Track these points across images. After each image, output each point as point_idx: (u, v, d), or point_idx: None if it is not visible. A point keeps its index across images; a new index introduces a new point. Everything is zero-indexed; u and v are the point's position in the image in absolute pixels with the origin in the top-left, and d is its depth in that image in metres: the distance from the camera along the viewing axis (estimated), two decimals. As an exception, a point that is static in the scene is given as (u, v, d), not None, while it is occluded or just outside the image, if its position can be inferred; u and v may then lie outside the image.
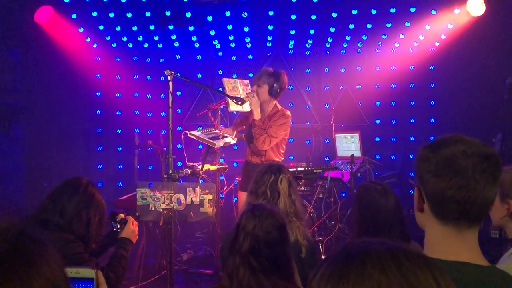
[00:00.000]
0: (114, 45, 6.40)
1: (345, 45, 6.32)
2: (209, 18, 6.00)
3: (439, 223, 1.21)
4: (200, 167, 3.95)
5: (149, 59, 6.59)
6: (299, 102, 6.50)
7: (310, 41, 6.36)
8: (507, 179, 1.95)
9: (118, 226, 2.63)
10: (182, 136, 3.94)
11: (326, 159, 6.26)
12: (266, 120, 4.03)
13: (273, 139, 3.96)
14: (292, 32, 6.21)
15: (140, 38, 6.33)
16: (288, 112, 4.14)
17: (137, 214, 2.80)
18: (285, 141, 4.22)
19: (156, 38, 6.34)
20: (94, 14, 6.00)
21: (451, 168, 1.16)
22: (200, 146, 5.87)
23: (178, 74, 3.55)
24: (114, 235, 2.64)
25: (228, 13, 5.96)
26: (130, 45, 6.43)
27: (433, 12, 5.73)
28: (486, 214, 1.20)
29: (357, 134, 5.50)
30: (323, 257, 4.66)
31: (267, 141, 3.93)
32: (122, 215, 2.68)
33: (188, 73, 6.00)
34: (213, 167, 4.50)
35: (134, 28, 6.16)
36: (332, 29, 6.10)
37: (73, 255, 2.20)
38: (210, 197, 3.36)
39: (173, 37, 6.28)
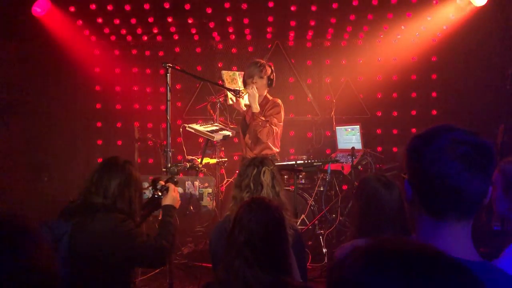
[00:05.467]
0: (113, 38, 6.35)
1: (346, 37, 6.26)
2: (208, 10, 5.95)
3: (429, 216, 1.18)
4: (199, 160, 3.93)
5: (148, 52, 6.54)
6: (300, 94, 6.46)
7: (310, 33, 6.30)
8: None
9: (159, 193, 2.67)
10: (181, 129, 3.91)
11: (327, 152, 6.23)
12: (260, 111, 4.04)
13: (275, 128, 3.98)
14: (292, 23, 6.15)
15: (139, 31, 6.28)
16: (279, 100, 4.15)
17: (175, 180, 2.85)
18: (280, 131, 4.21)
19: (155, 30, 6.29)
20: (92, 7, 5.95)
21: (440, 157, 1.13)
22: (200, 140, 5.84)
23: (177, 67, 3.51)
24: (152, 202, 2.69)
25: (227, 5, 5.90)
26: (129, 38, 6.38)
27: (435, 2, 5.67)
28: (478, 207, 1.16)
29: (358, 126, 5.47)
30: (324, 250, 4.63)
31: (271, 132, 3.96)
32: (162, 182, 2.73)
33: (188, 66, 5.95)
34: (212, 161, 4.48)
35: (133, 21, 6.11)
36: (333, 21, 6.04)
37: (126, 232, 2.28)
38: (210, 190, 3.35)
39: (172, 29, 6.23)
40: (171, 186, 2.70)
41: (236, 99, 4.11)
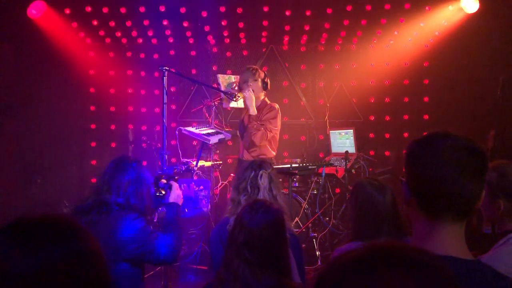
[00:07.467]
0: (108, 40, 6.36)
1: (339, 42, 6.32)
2: (204, 14, 5.98)
3: (425, 217, 1.23)
4: (194, 163, 3.95)
5: (143, 55, 6.54)
6: (294, 98, 6.50)
7: (304, 37, 6.35)
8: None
9: (163, 192, 2.72)
10: (177, 132, 3.93)
11: (320, 155, 6.27)
12: (257, 114, 4.07)
13: (269, 133, 4.01)
14: (287, 28, 6.19)
15: (134, 34, 6.29)
16: (277, 105, 4.19)
17: (176, 178, 2.88)
18: (277, 135, 4.24)
19: (150, 33, 6.30)
20: (88, 9, 5.95)
21: (437, 161, 1.19)
22: (194, 143, 5.85)
23: (173, 70, 3.53)
24: (155, 200, 2.73)
25: (222, 9, 5.94)
26: (124, 41, 6.39)
27: (427, 8, 5.74)
28: (472, 209, 1.22)
29: (352, 130, 5.52)
30: (317, 253, 4.67)
31: (265, 136, 3.98)
32: (164, 181, 2.77)
33: (183, 69, 5.98)
34: (207, 163, 4.50)
35: (128, 24, 6.12)
36: (327, 25, 6.10)
37: (141, 228, 2.34)
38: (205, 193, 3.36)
39: (167, 32, 6.25)
40: (174, 184, 2.74)
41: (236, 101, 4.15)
